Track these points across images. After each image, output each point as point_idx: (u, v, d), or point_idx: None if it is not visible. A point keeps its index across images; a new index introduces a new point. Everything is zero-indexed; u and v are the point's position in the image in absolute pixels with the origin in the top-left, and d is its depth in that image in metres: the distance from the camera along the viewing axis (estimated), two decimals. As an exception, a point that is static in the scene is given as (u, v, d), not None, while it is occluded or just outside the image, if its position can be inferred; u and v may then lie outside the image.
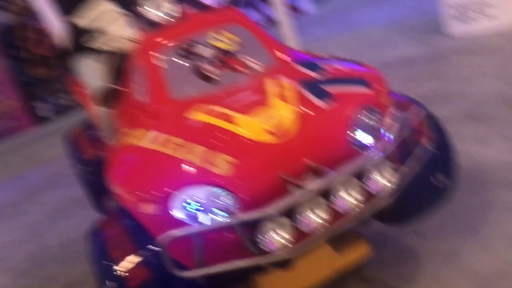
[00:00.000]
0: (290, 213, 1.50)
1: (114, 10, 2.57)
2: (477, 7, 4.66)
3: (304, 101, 1.74)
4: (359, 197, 1.55)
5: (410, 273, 2.20)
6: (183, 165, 1.63)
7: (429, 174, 1.99)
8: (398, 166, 1.62)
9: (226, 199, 1.56)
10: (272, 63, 2.12)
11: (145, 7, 2.22)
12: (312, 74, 1.92)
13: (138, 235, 1.75)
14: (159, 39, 2.19)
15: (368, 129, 1.71)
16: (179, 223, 1.58)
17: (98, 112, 2.51)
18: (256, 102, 1.75)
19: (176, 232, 1.49)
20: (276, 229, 1.49)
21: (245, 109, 1.72)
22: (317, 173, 1.57)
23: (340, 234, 1.70)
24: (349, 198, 1.54)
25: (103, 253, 1.77)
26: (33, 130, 7.19)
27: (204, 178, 1.59)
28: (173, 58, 2.12)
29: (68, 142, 3.25)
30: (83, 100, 2.96)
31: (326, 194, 1.52)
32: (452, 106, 3.56)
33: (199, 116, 1.80)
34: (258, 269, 1.75)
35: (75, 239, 3.25)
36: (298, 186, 1.53)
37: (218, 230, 1.53)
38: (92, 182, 2.94)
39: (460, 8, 4.76)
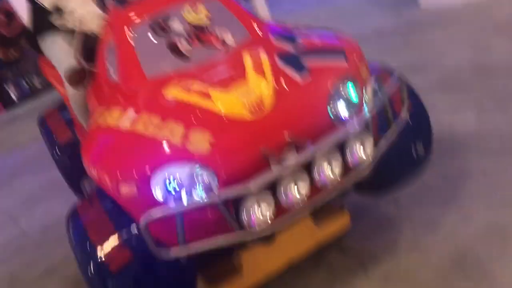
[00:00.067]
0: (272, 188, 1.50)
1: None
2: (448, -22, 4.68)
3: (282, 75, 1.72)
4: (340, 169, 1.56)
5: (390, 243, 2.24)
6: (161, 144, 1.60)
7: (407, 143, 2.02)
8: (378, 137, 1.63)
9: (206, 176, 1.55)
10: (248, 37, 2.08)
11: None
12: (289, 47, 1.90)
13: (118, 217, 1.74)
14: (130, 15, 2.13)
15: (347, 101, 1.71)
16: (159, 203, 1.56)
17: (70, 93, 2.45)
18: (233, 77, 1.73)
19: (157, 212, 1.48)
20: (258, 204, 1.48)
21: (222, 85, 1.70)
22: (297, 147, 1.57)
23: (321, 207, 1.71)
24: (330, 171, 1.54)
25: (83, 237, 1.74)
26: (6, 114, 7.00)
27: (183, 156, 1.57)
28: (146, 34, 2.07)
29: (42, 125, 3.17)
30: (55, 82, 2.87)
31: (307, 167, 1.52)
32: (425, 76, 3.60)
33: (175, 93, 1.76)
34: (241, 245, 1.76)
35: (54, 224, 3.21)
36: (279, 161, 1.53)
37: (200, 209, 1.52)
38: (69, 165, 2.90)
39: (432, -20, 4.77)
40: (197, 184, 1.54)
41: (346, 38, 1.99)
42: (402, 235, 2.26)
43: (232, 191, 1.45)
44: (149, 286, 1.72)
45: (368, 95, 1.67)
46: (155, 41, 2.06)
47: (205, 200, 1.49)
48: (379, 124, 1.75)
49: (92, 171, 1.79)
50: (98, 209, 1.82)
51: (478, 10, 4.42)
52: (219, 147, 1.57)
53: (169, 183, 1.56)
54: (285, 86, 1.69)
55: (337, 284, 2.11)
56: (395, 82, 1.69)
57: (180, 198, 1.52)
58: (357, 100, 1.72)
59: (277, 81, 1.69)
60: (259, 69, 1.74)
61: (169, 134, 1.61)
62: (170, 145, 1.59)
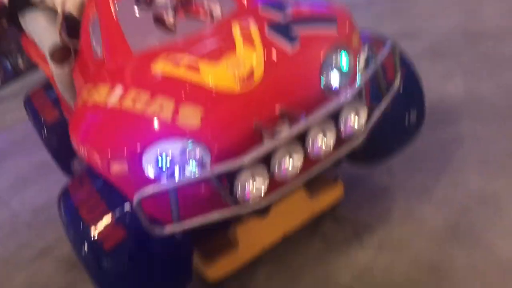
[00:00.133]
0: (266, 161, 1.48)
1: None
2: None
3: (272, 45, 1.68)
4: (334, 140, 1.54)
5: (384, 211, 2.25)
6: (151, 120, 1.56)
7: (400, 112, 2.01)
8: (371, 106, 1.61)
9: (198, 152, 1.52)
10: (236, 8, 2.02)
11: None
12: (279, 16, 1.85)
13: (110, 195, 1.72)
14: (113, -12, 2.05)
15: (339, 71, 1.68)
16: (151, 181, 1.54)
17: (55, 71, 2.38)
18: (222, 50, 1.68)
19: (150, 189, 1.45)
20: (253, 178, 1.46)
21: (211, 58, 1.65)
22: (290, 119, 1.54)
23: (315, 178, 1.70)
24: (324, 141, 1.52)
25: (76, 217, 1.72)
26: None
27: (175, 132, 1.53)
28: (130, 8, 2.00)
29: (28, 106, 3.10)
30: (39, 60, 2.80)
31: (301, 139, 1.50)
32: (415, 43, 3.58)
33: (164, 68, 1.72)
34: (236, 219, 1.75)
35: (45, 205, 3.19)
36: (272, 134, 1.50)
37: (193, 184, 1.50)
38: (58, 145, 2.85)
39: None
40: (190, 160, 1.51)
41: (337, 6, 1.94)
42: (396, 204, 2.27)
43: (225, 166, 1.43)
44: (145, 263, 1.72)
45: (360, 63, 1.64)
46: (140, 15, 2.00)
47: (199, 176, 1.46)
48: (372, 93, 1.73)
49: (81, 150, 1.76)
50: (89, 188, 1.79)
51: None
52: (211, 121, 1.54)
53: (161, 160, 1.53)
54: (276, 57, 1.65)
55: (332, 254, 2.12)
56: (387, 50, 1.66)
57: (172, 175, 1.50)
58: (350, 69, 1.69)
59: (267, 51, 1.65)
60: (249, 40, 1.69)
61: (159, 110, 1.57)
62: (161, 121, 1.56)
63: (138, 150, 1.54)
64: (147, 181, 1.52)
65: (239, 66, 1.60)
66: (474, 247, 1.93)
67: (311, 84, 1.64)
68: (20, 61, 7.13)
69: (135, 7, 2.01)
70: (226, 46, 1.70)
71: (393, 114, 1.81)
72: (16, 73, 7.14)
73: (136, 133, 1.58)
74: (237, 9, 2.01)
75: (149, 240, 1.65)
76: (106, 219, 1.69)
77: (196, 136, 1.52)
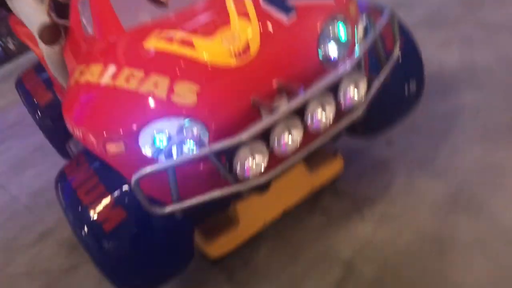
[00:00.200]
0: (264, 137, 1.45)
1: None
2: None
3: (267, 17, 1.63)
4: (334, 113, 1.51)
5: (384, 184, 2.24)
6: (147, 99, 1.53)
7: (399, 82, 1.97)
8: (370, 76, 1.57)
9: (196, 130, 1.49)
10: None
11: None
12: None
13: (108, 176, 1.69)
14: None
15: (337, 42, 1.63)
16: (149, 160, 1.51)
17: (45, 51, 2.32)
18: (216, 23, 1.63)
19: (149, 169, 1.43)
20: (252, 154, 1.44)
21: (205, 32, 1.61)
22: (289, 92, 1.51)
23: (314, 152, 1.67)
24: (324, 115, 1.49)
25: (74, 199, 1.70)
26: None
27: (171, 110, 1.50)
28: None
29: (20, 88, 3.05)
30: (28, 41, 2.74)
31: (300, 113, 1.46)
32: (412, 12, 3.53)
33: (157, 44, 1.67)
34: (236, 196, 1.73)
35: (43, 188, 3.18)
36: (270, 109, 1.47)
37: (192, 163, 1.48)
38: (53, 127, 2.81)
39: None
40: (187, 138, 1.48)
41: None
42: (396, 176, 2.26)
43: (224, 143, 1.40)
44: (146, 243, 1.71)
45: (359, 33, 1.60)
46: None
47: (197, 154, 1.43)
48: (371, 64, 1.69)
49: (77, 131, 1.73)
50: (86, 170, 1.76)
51: None
52: (207, 98, 1.50)
53: (158, 139, 1.50)
54: (272, 29, 1.61)
55: (332, 228, 2.12)
56: (386, 19, 1.61)
57: (170, 154, 1.47)
58: (348, 40, 1.65)
59: (263, 24, 1.60)
60: (243, 13, 1.64)
61: (154, 88, 1.54)
62: (156, 100, 1.52)
63: (134, 130, 1.51)
64: (145, 161, 1.50)
65: (234, 40, 1.55)
66: (476, 218, 1.92)
67: (309, 56, 1.60)
68: (10, 43, 7.02)
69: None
70: (220, 20, 1.65)
71: (392, 84, 1.78)
72: (7, 56, 7.04)
73: (132, 113, 1.55)
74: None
75: (149, 220, 1.64)
76: (105, 201, 1.67)
77: (193, 114, 1.49)
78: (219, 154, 1.42)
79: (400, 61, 1.78)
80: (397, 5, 3.48)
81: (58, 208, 1.83)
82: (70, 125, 1.77)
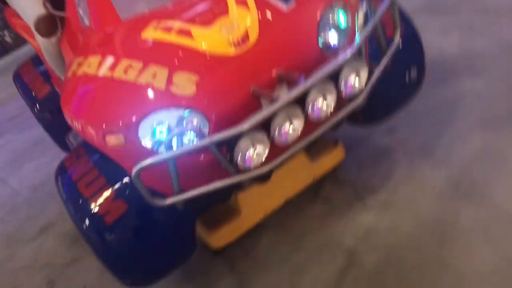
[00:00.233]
0: (265, 127, 1.44)
1: None
2: None
3: (266, 5, 1.61)
4: (335, 101, 1.49)
5: (385, 172, 2.24)
6: (146, 90, 1.52)
7: (400, 69, 1.95)
8: (371, 64, 1.56)
9: (196, 120, 1.48)
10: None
11: None
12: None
13: (109, 169, 1.68)
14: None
15: (337, 29, 1.61)
16: (149, 151, 1.50)
17: (42, 43, 2.30)
18: (214, 12, 1.61)
19: (149, 161, 1.41)
20: (253, 145, 1.42)
21: (203, 21, 1.59)
22: (289, 81, 1.49)
23: (315, 141, 1.66)
24: (325, 103, 1.47)
25: (74, 192, 1.69)
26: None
27: (170, 101, 1.49)
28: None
29: (19, 81, 3.03)
30: (24, 33, 2.71)
31: (301, 102, 1.45)
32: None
33: (155, 35, 1.65)
34: (238, 187, 1.72)
35: (44, 181, 3.17)
36: (271, 99, 1.45)
37: (192, 154, 1.46)
38: (52, 119, 2.80)
39: None
40: (187, 128, 1.46)
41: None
42: (398, 164, 2.25)
43: (224, 133, 1.38)
44: (147, 235, 1.70)
45: (359, 20, 1.57)
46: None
47: (197, 145, 1.42)
48: (372, 51, 1.67)
49: (75, 124, 1.71)
50: (86, 162, 1.75)
51: None
52: (207, 88, 1.49)
53: (158, 130, 1.49)
54: (271, 17, 1.59)
55: (334, 217, 2.12)
56: (386, 6, 1.59)
57: (170, 145, 1.46)
58: (348, 27, 1.63)
59: (261, 12, 1.58)
60: (241, 1, 1.62)
61: (153, 78, 1.52)
62: (155, 91, 1.51)
63: (134, 122, 1.49)
64: (145, 153, 1.49)
65: (232, 28, 1.53)
66: (478, 203, 1.92)
67: (309, 44, 1.58)
68: (7, 36, 6.97)
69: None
70: (218, 9, 1.63)
71: (393, 71, 1.76)
72: (4, 49, 6.99)
73: (131, 105, 1.54)
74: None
75: (151, 212, 1.63)
76: (106, 193, 1.66)
77: (193, 104, 1.47)
78: (219, 144, 1.41)
79: (401, 48, 1.76)
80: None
81: (59, 201, 1.83)
82: (68, 118, 1.75)
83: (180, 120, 1.48)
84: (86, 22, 1.98)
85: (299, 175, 2.10)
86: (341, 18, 1.62)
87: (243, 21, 1.56)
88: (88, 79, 1.72)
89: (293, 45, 1.57)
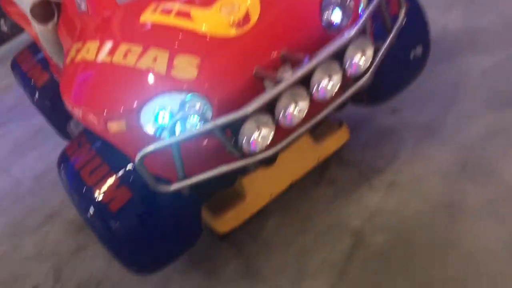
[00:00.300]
0: (270, 109, 1.41)
1: None
2: None
3: (266, -16, 1.57)
4: (340, 81, 1.46)
5: (391, 152, 2.21)
6: (147, 75, 1.49)
7: (405, 47, 1.92)
8: (376, 42, 1.52)
9: (198, 104, 1.45)
10: None
11: None
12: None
13: (111, 156, 1.66)
14: None
15: (341, 7, 1.57)
16: (152, 137, 1.48)
17: (39, 30, 2.26)
18: (214, -7, 1.57)
19: (152, 146, 1.39)
20: (258, 127, 1.39)
21: (203, 3, 1.55)
22: (293, 62, 1.46)
23: (320, 123, 1.63)
24: (331, 84, 1.44)
25: (78, 180, 1.67)
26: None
27: (172, 85, 1.46)
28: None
29: (16, 69, 2.99)
30: (21, 20, 2.66)
31: (305, 83, 1.42)
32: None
33: (153, 18, 1.61)
34: (243, 171, 1.70)
35: (46, 170, 3.15)
36: (274, 81, 1.42)
37: (196, 138, 1.44)
38: (52, 108, 2.76)
39: None
40: (190, 113, 1.44)
41: None
42: (403, 144, 2.23)
43: (228, 117, 1.35)
44: (153, 221, 1.69)
45: (363, -2, 1.54)
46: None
47: (201, 129, 1.40)
48: (376, 29, 1.63)
49: (76, 112, 1.69)
50: (88, 150, 1.73)
51: None
52: (208, 71, 1.46)
53: (160, 115, 1.46)
54: None
55: (340, 199, 2.10)
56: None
57: (173, 130, 1.43)
58: (352, 5, 1.59)
59: None
60: (241, -20, 1.58)
61: (153, 63, 1.49)
62: (156, 75, 1.48)
63: (135, 107, 1.47)
64: (148, 139, 1.46)
65: (233, 9, 1.50)
66: (486, 182, 1.90)
67: (312, 23, 1.55)
68: (3, 24, 6.90)
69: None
70: (218, -11, 1.59)
71: (397, 49, 1.72)
72: (0, 38, 6.93)
73: (132, 90, 1.51)
74: None
75: (155, 198, 1.61)
76: (110, 181, 1.64)
77: (195, 88, 1.45)
78: (223, 128, 1.38)
79: (406, 25, 1.72)
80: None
81: (62, 189, 1.81)
82: (69, 105, 1.73)
83: (183, 105, 1.45)
84: (83, 7, 1.93)
85: (303, 157, 2.08)
86: (346, -6, 1.58)
87: (243, 1, 1.52)
88: (87, 65, 1.69)
89: (296, 25, 1.53)
